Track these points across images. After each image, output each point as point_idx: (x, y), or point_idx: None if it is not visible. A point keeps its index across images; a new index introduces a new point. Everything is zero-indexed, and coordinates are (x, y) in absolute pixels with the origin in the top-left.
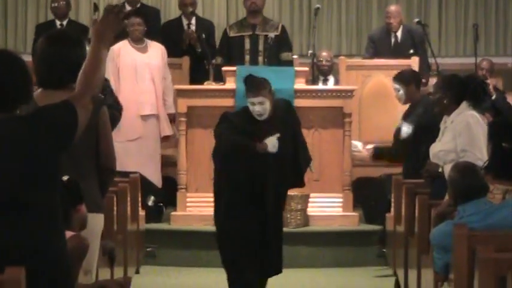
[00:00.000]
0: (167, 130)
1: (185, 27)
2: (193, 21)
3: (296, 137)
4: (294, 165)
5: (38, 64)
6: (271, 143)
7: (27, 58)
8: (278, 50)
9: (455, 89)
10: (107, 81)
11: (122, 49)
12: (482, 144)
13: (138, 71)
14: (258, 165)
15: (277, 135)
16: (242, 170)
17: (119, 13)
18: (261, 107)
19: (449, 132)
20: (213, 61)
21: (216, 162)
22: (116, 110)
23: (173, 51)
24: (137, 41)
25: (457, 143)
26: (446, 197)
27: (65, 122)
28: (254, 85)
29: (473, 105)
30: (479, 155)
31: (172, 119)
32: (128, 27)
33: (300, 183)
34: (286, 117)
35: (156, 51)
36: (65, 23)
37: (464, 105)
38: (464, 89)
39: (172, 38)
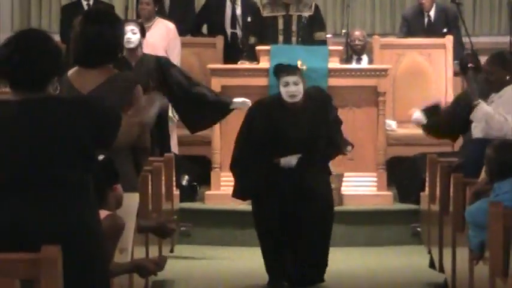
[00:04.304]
0: None
1: (228, 7)
2: (238, 1)
3: (330, 131)
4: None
5: (75, 42)
6: (287, 161)
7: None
8: (312, 30)
9: None
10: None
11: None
12: None
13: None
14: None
15: (298, 156)
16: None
17: None
18: (295, 87)
19: (497, 105)
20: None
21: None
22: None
23: (212, 30)
24: (146, 20)
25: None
26: (482, 175)
27: (110, 122)
28: (288, 66)
29: None
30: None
31: None
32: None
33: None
34: (322, 112)
35: (159, 29)
36: (91, 2)
37: None
38: None
39: (212, 17)
